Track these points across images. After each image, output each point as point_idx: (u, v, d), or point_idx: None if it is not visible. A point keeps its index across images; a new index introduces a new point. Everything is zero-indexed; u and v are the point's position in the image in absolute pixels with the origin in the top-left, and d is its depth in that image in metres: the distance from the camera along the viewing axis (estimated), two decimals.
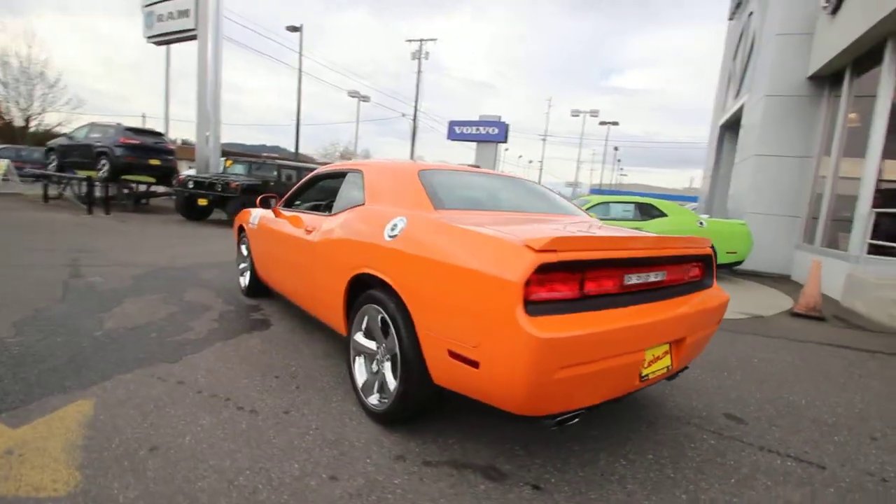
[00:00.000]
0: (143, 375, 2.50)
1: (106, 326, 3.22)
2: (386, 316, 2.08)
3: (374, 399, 2.22)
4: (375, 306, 2.18)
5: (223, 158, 13.27)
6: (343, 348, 3.13)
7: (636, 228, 7.16)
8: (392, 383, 2.09)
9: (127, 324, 3.31)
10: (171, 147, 13.01)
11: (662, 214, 7.18)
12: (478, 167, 3.14)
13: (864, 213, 5.89)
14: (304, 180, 3.51)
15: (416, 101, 37.50)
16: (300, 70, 25.85)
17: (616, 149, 43.65)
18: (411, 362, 1.95)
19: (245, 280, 4.36)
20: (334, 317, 2.61)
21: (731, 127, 12.22)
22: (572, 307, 1.62)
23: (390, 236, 2.10)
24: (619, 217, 7.37)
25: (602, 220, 7.29)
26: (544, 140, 57.61)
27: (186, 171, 15.32)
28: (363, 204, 2.55)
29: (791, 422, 2.58)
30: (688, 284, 2.20)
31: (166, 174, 12.36)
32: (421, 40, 36.39)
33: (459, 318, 1.70)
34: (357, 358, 2.40)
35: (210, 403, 2.26)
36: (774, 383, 3.18)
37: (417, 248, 1.92)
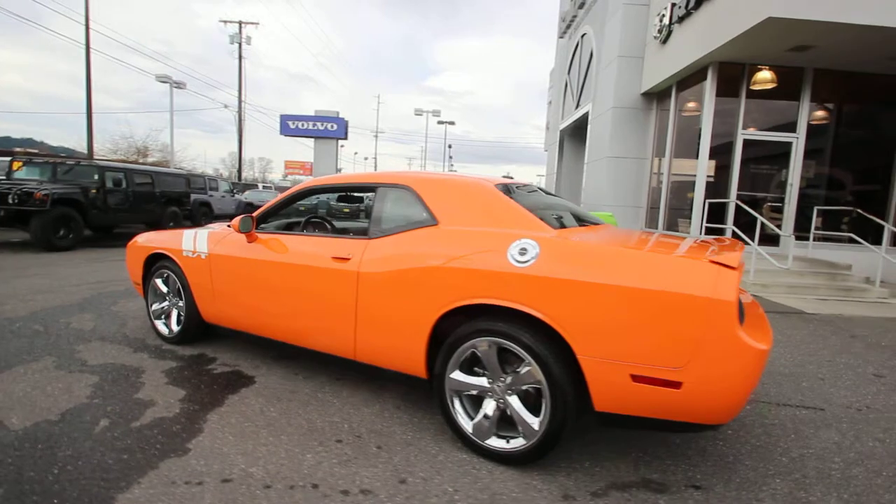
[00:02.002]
0: (161, 485, 1.75)
1: (25, 425, 2.13)
2: (516, 347, 1.89)
3: (496, 442, 2.01)
4: (491, 339, 1.96)
5: (8, 159, 9.80)
6: (363, 389, 2.72)
7: None
8: (531, 420, 1.91)
9: (50, 416, 2.25)
10: None
11: None
12: (511, 178, 3.03)
13: (699, 202, 7.64)
14: (288, 195, 2.87)
15: (241, 91, 33.67)
16: (88, 45, 20.50)
17: (450, 146, 46.62)
18: (566, 393, 1.82)
19: (169, 324, 3.36)
20: (405, 357, 2.24)
21: (571, 132, 14.31)
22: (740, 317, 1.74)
23: (520, 262, 1.90)
24: None
25: None
26: (376, 136, 58.07)
27: None
28: (435, 224, 2.23)
29: None
30: None
31: None
32: (240, 22, 32.47)
33: (652, 343, 1.66)
34: (455, 399, 2.12)
35: (303, 498, 1.72)
36: None
37: (583, 274, 1.78)
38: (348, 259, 2.37)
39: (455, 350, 2.07)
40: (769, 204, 7.59)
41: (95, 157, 19.86)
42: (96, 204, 8.70)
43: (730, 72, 7.36)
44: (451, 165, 50.61)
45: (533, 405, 1.95)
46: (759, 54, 6.83)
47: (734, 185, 7.51)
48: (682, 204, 8.60)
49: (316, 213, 3.94)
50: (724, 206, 7.53)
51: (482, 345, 2.00)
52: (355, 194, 3.40)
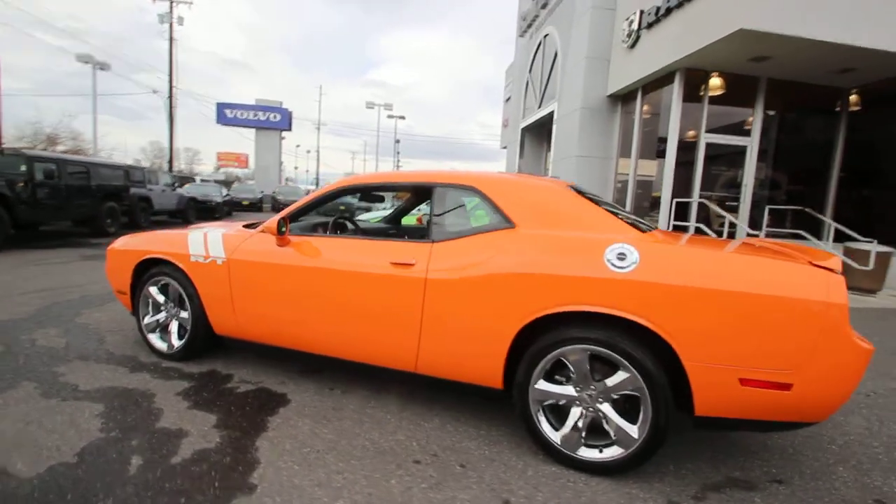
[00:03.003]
0: None
1: (37, 471, 1.76)
2: (613, 354, 1.85)
3: (587, 452, 1.95)
4: (585, 346, 1.90)
5: None
6: (413, 402, 2.57)
7: None
8: (629, 428, 1.87)
9: (65, 457, 1.89)
10: None
11: None
12: (557, 178, 2.97)
13: (667, 200, 8.07)
14: (321, 195, 2.62)
15: (171, 75, 31.01)
16: None
17: (398, 141, 45.98)
18: (667, 398, 1.80)
19: (168, 338, 2.99)
20: (479, 367, 2.12)
21: (533, 130, 14.59)
22: None
23: (620, 267, 1.85)
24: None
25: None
26: (319, 129, 55.93)
27: None
28: (512, 227, 2.12)
29: None
30: None
31: None
32: (172, 0, 29.91)
33: (763, 346, 1.68)
34: (538, 410, 2.04)
35: None
36: None
37: (690, 280, 1.75)
38: (412, 265, 2.20)
39: (541, 359, 1.99)
40: (727, 203, 8.17)
41: (2, 143, 17.39)
42: (24, 199, 7.62)
43: (694, 78, 7.81)
44: (398, 162, 49.82)
45: (623, 413, 1.92)
46: (723, 63, 7.30)
47: (697, 184, 8.00)
48: (647, 202, 9.04)
49: (341, 214, 3.69)
50: (686, 205, 8.01)
51: (573, 353, 1.93)
52: (421, 196, 3.18)
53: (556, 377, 2.03)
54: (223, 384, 2.68)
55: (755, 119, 7.92)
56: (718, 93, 7.89)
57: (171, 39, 29.57)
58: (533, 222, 2.10)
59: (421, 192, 2.93)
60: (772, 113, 8.08)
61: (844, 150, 8.32)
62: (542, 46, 13.04)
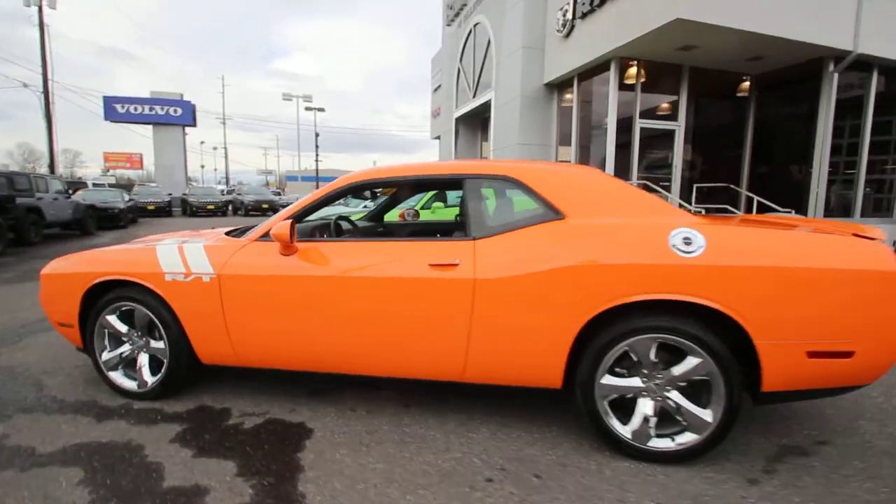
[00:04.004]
0: None
1: None
2: (682, 341, 1.83)
3: (660, 443, 1.93)
4: (653, 335, 1.85)
5: None
6: (450, 413, 2.41)
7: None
8: (703, 413, 1.87)
9: None
10: None
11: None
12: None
13: None
14: (331, 191, 2.30)
15: (45, 68, 26.90)
16: None
17: (317, 134, 43.78)
18: (739, 380, 1.82)
19: (139, 374, 2.50)
20: (538, 369, 2.00)
21: (467, 120, 14.62)
22: None
23: (687, 252, 1.81)
24: (454, 203, 7.87)
25: (447, 207, 7.64)
26: (224, 123, 51.59)
27: None
28: (562, 218, 2.00)
29: None
30: None
31: None
32: None
33: (828, 318, 1.75)
34: (606, 406, 1.97)
35: None
36: None
37: (757, 259, 1.77)
38: (455, 265, 2.00)
39: (606, 353, 1.91)
40: (661, 183, 8.79)
41: None
42: None
43: (626, 66, 8.24)
44: (318, 157, 47.43)
45: (690, 398, 1.91)
46: (654, 52, 7.78)
47: (635, 167, 8.51)
48: None
49: (340, 216, 3.27)
50: None
51: (641, 343, 1.88)
52: (449, 188, 2.91)
53: (616, 370, 1.97)
54: (224, 421, 2.29)
55: (680, 104, 8.57)
56: (649, 81, 8.41)
57: (41, 24, 25.48)
58: (583, 211, 2.00)
59: (446, 186, 2.72)
60: (694, 99, 8.79)
61: (754, 130, 9.32)
62: (472, 35, 13.04)
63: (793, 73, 8.25)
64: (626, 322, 1.88)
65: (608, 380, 1.94)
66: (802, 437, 2.14)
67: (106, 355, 2.53)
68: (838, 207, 8.53)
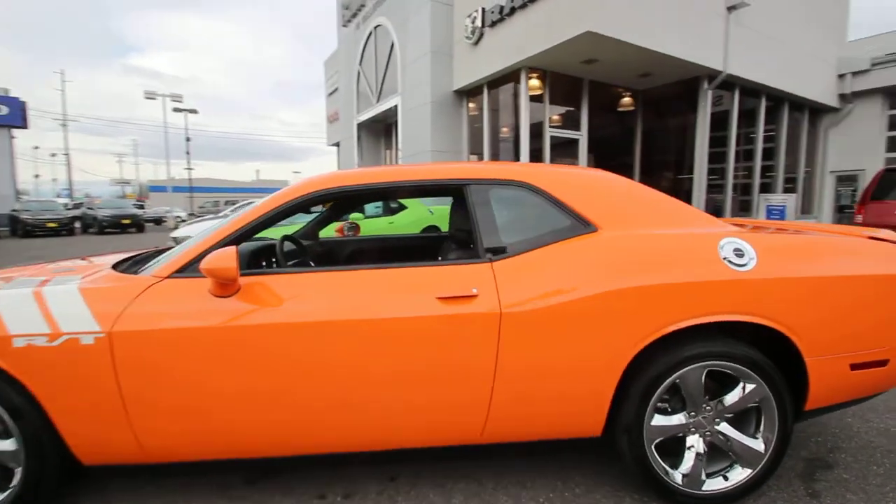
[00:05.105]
0: None
1: None
2: (735, 365, 1.61)
3: (714, 484, 1.68)
4: (704, 363, 1.61)
5: None
6: (456, 483, 1.94)
7: (389, 223, 7.38)
8: (755, 444, 1.66)
9: None
10: None
11: (404, 208, 7.72)
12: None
13: None
14: (279, 206, 1.67)
15: None
16: None
17: (188, 139, 38.88)
18: (790, 403, 1.66)
19: None
20: (576, 416, 1.63)
21: (369, 125, 13.98)
22: None
23: (739, 265, 1.59)
24: (372, 214, 7.28)
25: (366, 218, 7.06)
26: (65, 125, 43.34)
27: None
28: (594, 231, 1.66)
29: None
30: None
31: None
32: None
33: (870, 327, 1.67)
34: (654, 451, 1.67)
35: None
36: None
37: (806, 270, 1.61)
38: (473, 296, 1.54)
39: (655, 389, 1.61)
40: None
41: None
42: None
43: (535, 76, 8.47)
44: (189, 165, 41.93)
45: (740, 428, 1.71)
46: (560, 64, 8.08)
47: None
48: None
49: (287, 237, 2.46)
50: None
51: (692, 373, 1.61)
52: (448, 197, 2.27)
53: (660, 406, 1.69)
54: None
55: (582, 115, 9.07)
56: (555, 91, 8.74)
57: None
58: (617, 222, 1.69)
59: (441, 193, 2.22)
60: (594, 111, 9.36)
61: (642, 142, 10.26)
62: (373, 37, 12.53)
63: (673, 90, 9.24)
64: (678, 350, 1.60)
65: (659, 420, 1.65)
66: (816, 447, 2.08)
67: None
68: (711, 210, 9.75)
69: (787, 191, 10.54)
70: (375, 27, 12.23)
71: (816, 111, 11.04)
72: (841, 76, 10.62)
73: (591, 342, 1.56)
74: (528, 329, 1.54)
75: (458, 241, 2.02)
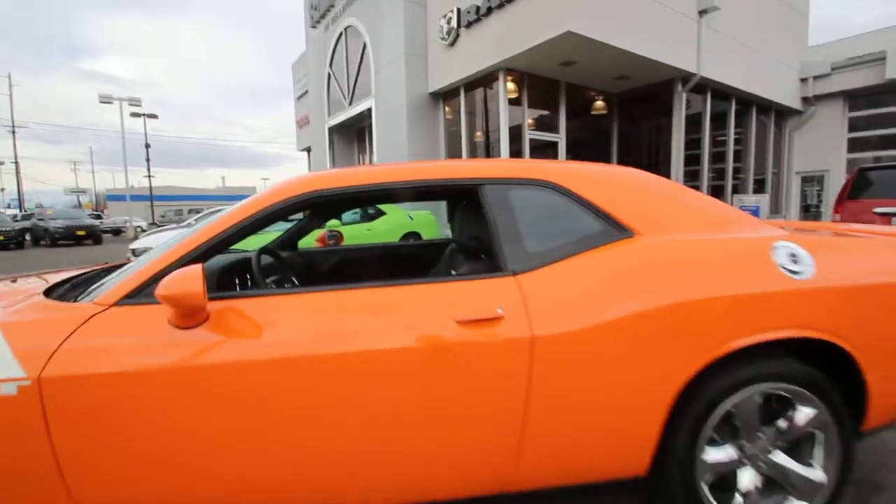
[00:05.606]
0: None
1: None
2: (794, 387, 1.42)
3: None
4: (760, 386, 1.41)
5: None
6: None
7: (367, 230, 7.08)
8: (815, 475, 1.47)
9: None
10: None
11: (382, 213, 7.41)
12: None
13: None
14: (256, 213, 1.36)
15: None
16: None
17: (148, 145, 37.12)
18: (851, 427, 1.47)
19: None
20: (622, 453, 1.39)
21: (341, 129, 13.57)
22: None
23: (796, 272, 1.39)
24: (350, 221, 6.95)
25: (343, 224, 6.73)
26: (14, 132, 40.74)
27: None
28: (631, 236, 1.43)
29: None
30: None
31: None
32: None
33: None
34: (704, 487, 1.45)
35: None
36: None
37: (865, 276, 1.44)
38: (498, 318, 1.28)
39: (707, 418, 1.40)
40: None
41: None
42: None
43: (512, 79, 8.33)
44: (148, 173, 39.98)
45: (796, 457, 1.51)
46: (538, 66, 7.97)
47: None
48: None
49: (264, 248, 2.10)
50: None
51: (747, 399, 1.41)
52: (461, 200, 1.94)
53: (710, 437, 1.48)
54: None
55: (560, 117, 9.00)
56: (533, 93, 8.64)
57: None
58: (657, 226, 1.47)
59: (453, 194, 1.95)
60: (572, 113, 9.32)
61: (618, 143, 10.30)
62: (343, 39, 12.17)
63: (649, 92, 9.30)
64: (732, 373, 1.39)
65: (712, 454, 1.43)
66: (857, 467, 1.91)
67: None
68: None
69: (756, 191, 10.79)
70: (346, 28, 11.88)
71: (781, 114, 11.39)
72: (803, 80, 10.99)
73: (639, 366, 1.32)
74: (566, 355, 1.29)
75: (468, 251, 1.75)
